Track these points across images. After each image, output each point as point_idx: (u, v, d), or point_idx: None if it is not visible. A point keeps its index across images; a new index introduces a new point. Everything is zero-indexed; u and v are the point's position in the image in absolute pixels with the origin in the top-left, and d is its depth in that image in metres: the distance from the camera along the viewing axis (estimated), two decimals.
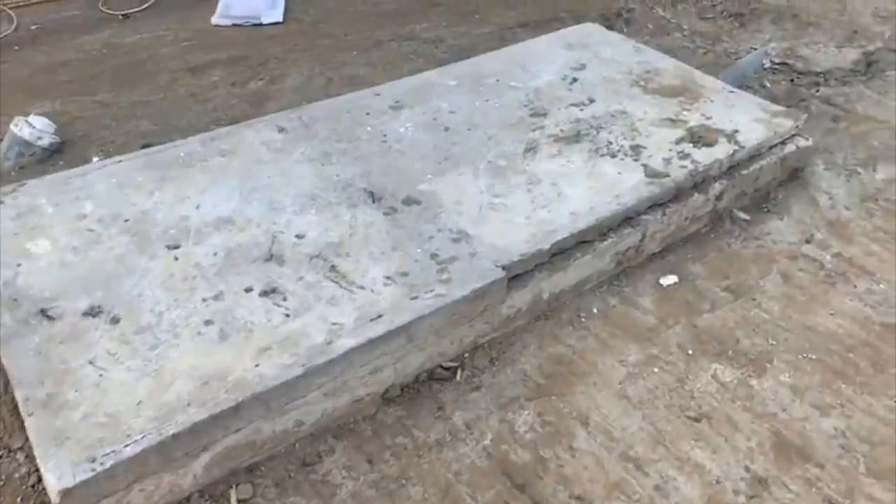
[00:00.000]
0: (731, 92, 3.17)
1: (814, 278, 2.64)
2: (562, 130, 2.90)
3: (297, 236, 2.38)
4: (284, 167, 2.68)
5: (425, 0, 4.47)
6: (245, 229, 2.41)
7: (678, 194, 2.69)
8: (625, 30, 4.31)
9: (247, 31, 4.13)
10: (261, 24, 4.16)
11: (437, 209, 2.51)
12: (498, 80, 3.22)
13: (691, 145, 2.82)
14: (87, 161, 3.00)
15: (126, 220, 2.42)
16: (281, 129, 2.87)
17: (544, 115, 3.00)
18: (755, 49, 4.15)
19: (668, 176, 2.66)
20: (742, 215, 2.90)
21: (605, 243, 2.52)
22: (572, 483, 1.99)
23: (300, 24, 4.20)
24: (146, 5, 4.32)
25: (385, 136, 2.86)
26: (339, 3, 4.44)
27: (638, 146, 2.82)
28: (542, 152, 2.79)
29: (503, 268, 2.29)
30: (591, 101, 3.09)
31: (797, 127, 2.99)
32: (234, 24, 4.16)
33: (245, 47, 3.94)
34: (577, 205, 2.54)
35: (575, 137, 2.86)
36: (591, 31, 3.64)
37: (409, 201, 2.54)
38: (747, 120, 2.96)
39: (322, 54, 3.89)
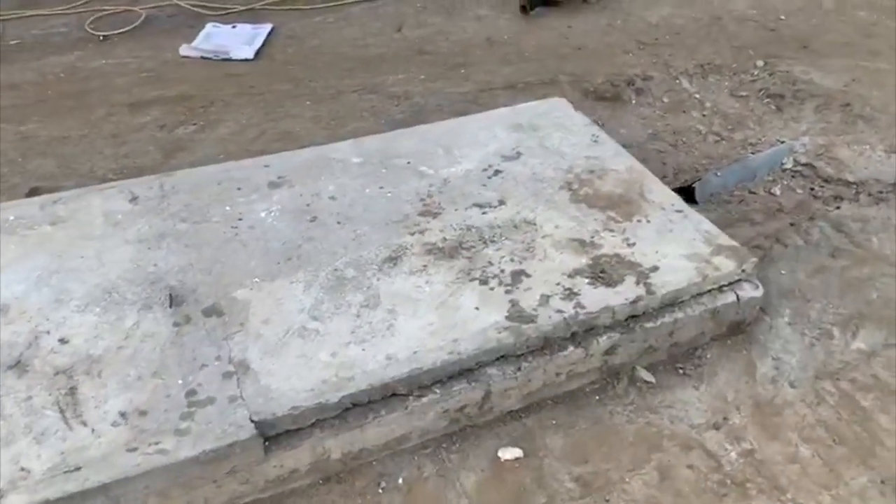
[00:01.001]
0: (679, 211, 2.56)
1: (700, 484, 2.02)
2: (444, 239, 2.42)
3: (60, 341, 2.06)
4: (106, 247, 2.37)
5: (416, 48, 4.06)
6: (12, 323, 2.12)
7: (546, 345, 2.15)
8: (633, 101, 3.73)
9: (212, 66, 3.89)
10: (230, 59, 3.91)
11: (237, 326, 2.12)
12: (409, 163, 2.77)
13: (587, 281, 2.26)
14: None
15: None
16: (133, 198, 2.58)
17: (436, 215, 2.53)
18: (781, 143, 3.45)
19: (532, 322, 2.13)
20: (646, 376, 2.30)
21: (424, 400, 2.03)
22: None
23: (269, 64, 3.91)
24: (129, 27, 4.17)
25: (240, 220, 2.50)
26: (325, 42, 4.11)
27: (521, 273, 2.30)
28: (404, 265, 2.32)
29: (258, 424, 1.86)
30: (502, 202, 2.58)
31: (744, 271, 2.35)
32: (202, 57, 3.92)
33: (198, 85, 3.70)
34: (401, 345, 2.06)
35: (453, 250, 2.38)
36: (553, 108, 3.11)
37: (210, 311, 2.16)
38: (677, 254, 2.36)
39: (272, 101, 3.58)
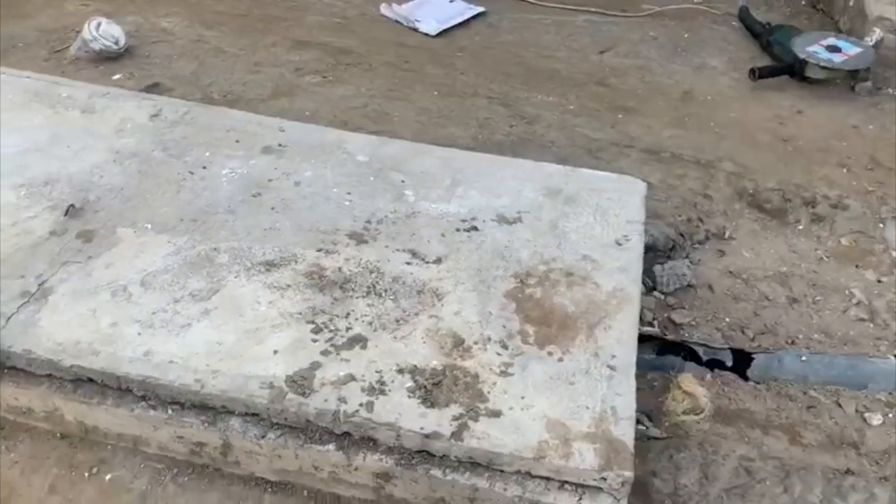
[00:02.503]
0: (611, 368, 1.89)
1: None
2: (339, 269, 2.12)
3: None
4: (89, 146, 2.54)
5: (598, 77, 3.54)
6: None
7: (305, 429, 1.78)
8: (799, 226, 2.85)
9: (398, 31, 3.83)
10: (416, 30, 3.84)
11: (84, 258, 2.13)
12: (402, 181, 2.47)
13: (410, 386, 1.81)
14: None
15: None
16: (154, 115, 2.70)
17: (362, 242, 2.22)
18: None
19: (303, 396, 1.78)
20: None
21: (154, 413, 1.84)
22: None
23: (444, 45, 3.73)
24: None
25: (203, 168, 2.46)
26: (515, 42, 3.79)
27: (361, 341, 1.93)
28: (273, 276, 2.10)
29: None
30: (438, 261, 2.18)
31: (604, 479, 1.67)
32: (396, 21, 3.91)
33: (365, 44, 3.69)
34: (176, 348, 1.89)
35: (330, 285, 2.08)
36: (619, 188, 2.48)
37: (85, 235, 2.20)
38: (542, 413, 1.77)
39: (406, 80, 3.44)
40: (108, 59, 3.47)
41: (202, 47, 3.62)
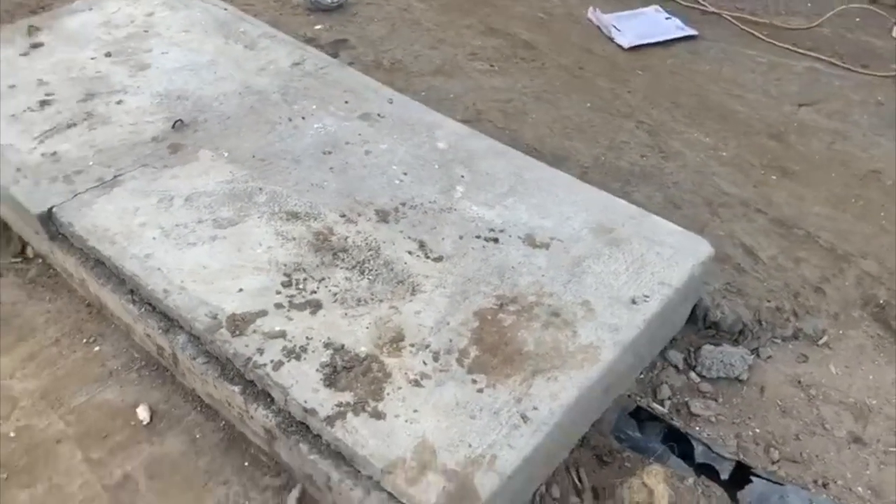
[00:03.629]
0: (525, 418, 1.72)
1: None
2: (345, 237, 2.19)
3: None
4: (227, 73, 2.86)
5: (773, 129, 3.09)
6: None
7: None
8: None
9: (596, 38, 3.70)
10: (611, 39, 3.67)
11: (176, 160, 2.44)
12: (462, 177, 2.43)
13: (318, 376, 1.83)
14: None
15: None
16: (298, 63, 2.95)
17: (386, 219, 2.26)
18: None
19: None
20: None
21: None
22: None
23: (628, 61, 3.52)
24: None
25: (302, 119, 2.66)
26: (704, 73, 3.45)
27: (316, 305, 1.98)
28: (295, 225, 2.23)
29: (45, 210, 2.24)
30: (438, 259, 2.13)
31: None
32: (597, 26, 3.77)
33: (550, 44, 3.62)
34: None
35: (324, 249, 2.15)
36: (682, 248, 2.19)
37: (176, 147, 2.51)
38: (403, 432, 1.67)
39: (566, 87, 3.32)
40: (323, 11, 3.83)
41: (403, 17, 3.83)
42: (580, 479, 1.96)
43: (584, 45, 3.63)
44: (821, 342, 2.31)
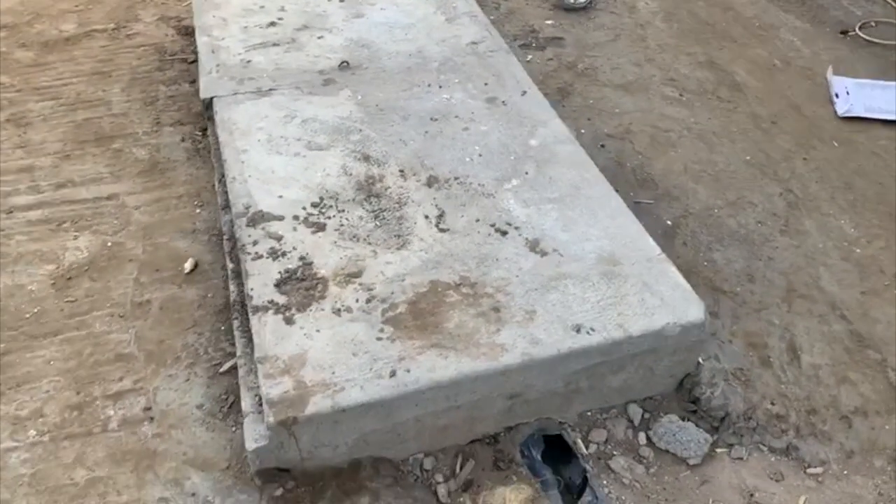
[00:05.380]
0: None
1: None
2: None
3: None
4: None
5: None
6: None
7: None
8: None
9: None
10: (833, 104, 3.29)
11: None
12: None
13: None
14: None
15: None
16: (473, 43, 3.21)
17: (435, 184, 2.47)
18: None
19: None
20: None
21: None
22: None
23: (832, 131, 3.14)
24: None
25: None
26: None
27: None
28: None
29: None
30: (443, 230, 2.30)
31: None
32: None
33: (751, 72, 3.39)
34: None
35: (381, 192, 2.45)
36: (675, 304, 2.05)
37: (327, 81, 2.97)
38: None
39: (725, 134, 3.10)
40: (566, 9, 4.00)
41: (634, 31, 3.84)
42: (461, 467, 2.03)
43: (797, 101, 3.31)
44: (811, 471, 2.00)
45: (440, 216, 2.36)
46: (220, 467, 1.96)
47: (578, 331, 2.00)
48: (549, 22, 3.90)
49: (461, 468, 2.03)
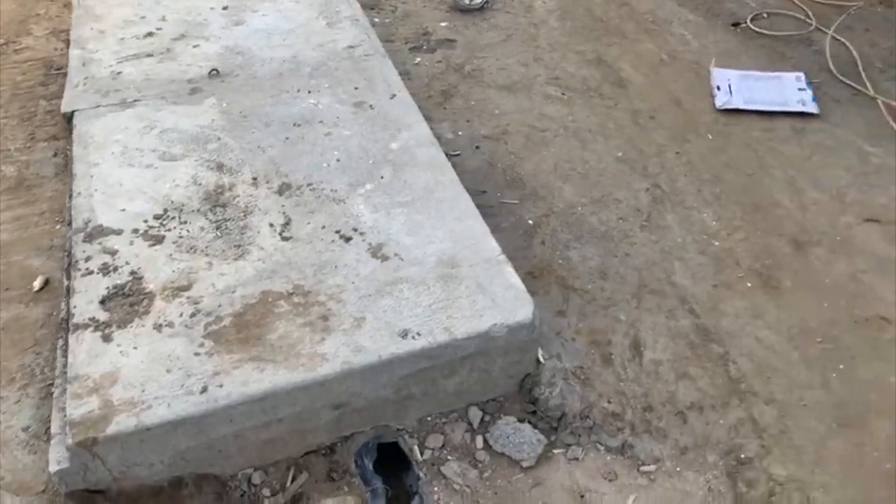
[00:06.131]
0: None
1: None
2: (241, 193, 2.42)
3: None
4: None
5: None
6: None
7: None
8: None
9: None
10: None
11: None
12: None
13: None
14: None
15: None
16: (350, 47, 3.18)
17: (284, 192, 2.43)
18: None
19: None
20: None
21: None
22: None
23: (707, 124, 3.14)
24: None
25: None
26: (799, 163, 2.94)
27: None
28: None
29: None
30: (286, 238, 2.27)
31: None
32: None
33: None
34: None
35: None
36: (506, 305, 2.03)
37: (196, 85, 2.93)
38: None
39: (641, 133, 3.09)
40: (462, 10, 3.97)
41: (527, 31, 3.81)
42: (293, 480, 1.99)
43: (679, 95, 3.31)
44: (644, 469, 1.98)
45: (286, 224, 2.32)
46: (35, 490, 1.91)
47: (405, 336, 1.97)
48: (443, 24, 3.88)
49: (293, 481, 2.00)
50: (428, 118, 3.18)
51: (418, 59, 3.59)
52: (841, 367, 2.15)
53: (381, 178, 2.50)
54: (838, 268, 2.46)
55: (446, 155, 2.91)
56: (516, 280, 2.13)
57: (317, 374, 1.89)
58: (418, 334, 1.97)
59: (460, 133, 3.10)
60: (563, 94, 3.34)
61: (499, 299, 2.07)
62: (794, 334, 2.25)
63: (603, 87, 3.38)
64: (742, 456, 1.97)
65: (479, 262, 2.18)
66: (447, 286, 2.11)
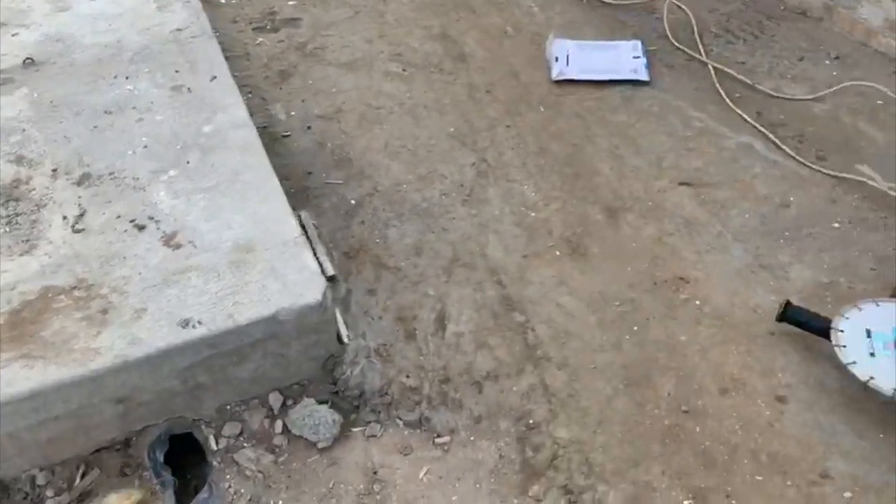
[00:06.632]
0: None
1: None
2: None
3: None
4: None
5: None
6: None
7: None
8: None
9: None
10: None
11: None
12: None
13: None
14: None
15: None
16: (177, 30, 3.09)
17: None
18: None
19: None
20: None
21: None
22: None
23: (541, 96, 3.17)
24: None
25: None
26: (622, 129, 2.99)
27: None
28: None
29: None
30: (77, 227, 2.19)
31: None
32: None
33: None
34: None
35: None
36: (296, 289, 2.01)
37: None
38: None
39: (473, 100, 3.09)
40: None
41: (376, 7, 3.74)
42: (82, 478, 1.94)
43: (518, 68, 3.32)
44: (439, 441, 2.00)
45: (80, 216, 2.25)
46: None
47: (185, 325, 1.93)
48: (291, 2, 3.80)
49: (81, 479, 1.95)
50: (262, 99, 3.16)
51: (260, 40, 3.52)
52: (635, 328, 2.21)
53: (188, 163, 2.44)
54: (647, 232, 2.51)
55: (276, 136, 2.89)
56: (311, 262, 2.11)
57: (88, 368, 1.84)
58: (199, 323, 1.94)
59: (293, 113, 3.05)
60: (403, 70, 3.32)
61: (290, 283, 2.04)
62: (594, 299, 2.30)
63: (444, 63, 3.37)
64: (531, 421, 2.00)
65: (275, 246, 2.15)
66: (239, 272, 2.07)
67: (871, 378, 1.87)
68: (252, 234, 2.19)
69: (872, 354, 1.91)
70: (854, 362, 1.90)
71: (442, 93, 3.18)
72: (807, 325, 2.09)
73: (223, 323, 1.94)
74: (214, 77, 2.83)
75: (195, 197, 2.31)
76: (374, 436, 2.02)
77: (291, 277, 2.06)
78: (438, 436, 2.01)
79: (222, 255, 2.13)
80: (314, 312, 2.02)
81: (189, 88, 2.76)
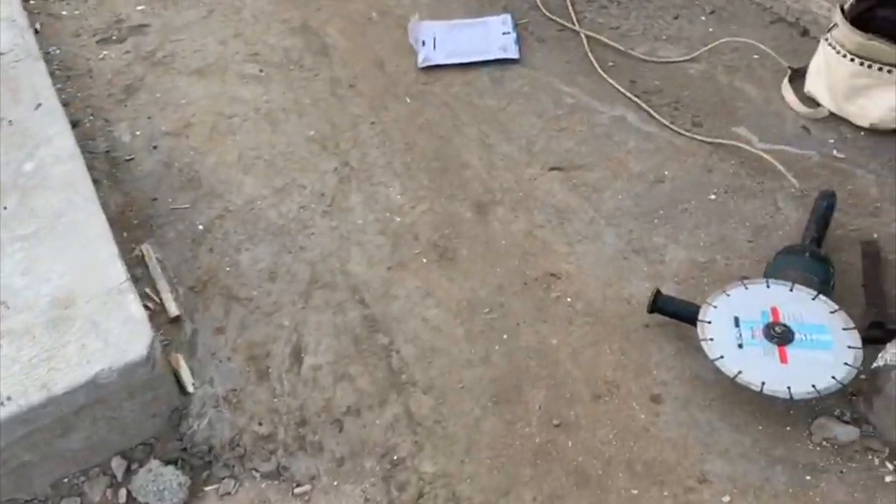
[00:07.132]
0: None
1: None
2: None
3: None
4: None
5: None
6: None
7: None
8: None
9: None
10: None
11: None
12: None
13: None
14: None
15: None
16: None
17: None
18: None
19: None
20: None
21: None
22: None
23: (406, 86, 2.98)
24: None
25: None
26: (489, 115, 2.83)
27: None
28: None
29: None
30: None
31: None
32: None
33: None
34: None
35: None
36: (119, 344, 1.80)
37: None
38: None
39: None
40: None
41: (232, 3, 3.50)
42: None
43: (383, 57, 3.12)
44: (299, 490, 1.83)
45: None
46: None
47: None
48: (140, 7, 3.51)
49: None
50: (105, 120, 2.92)
51: (104, 53, 3.23)
52: (505, 336, 2.07)
53: (5, 209, 2.19)
54: (516, 226, 2.37)
55: (119, 161, 2.67)
56: (137, 310, 1.90)
57: None
58: (9, 398, 1.72)
59: (138, 133, 2.81)
60: (260, 70, 3.09)
61: (113, 338, 1.84)
62: (461, 309, 2.15)
63: (304, 58, 3.14)
64: (395, 457, 1.85)
65: (98, 295, 1.94)
66: (56, 332, 1.86)
67: (740, 373, 1.76)
68: (72, 284, 1.97)
69: (741, 346, 1.80)
70: (721, 357, 1.79)
71: (302, 92, 2.97)
72: (677, 315, 1.98)
73: (36, 396, 1.73)
74: (39, 105, 2.56)
75: (11, 248, 2.08)
76: (228, 493, 1.85)
77: (115, 331, 1.85)
78: (298, 485, 1.85)
79: (39, 313, 1.91)
80: (141, 368, 1.82)
81: (10, 121, 2.50)
